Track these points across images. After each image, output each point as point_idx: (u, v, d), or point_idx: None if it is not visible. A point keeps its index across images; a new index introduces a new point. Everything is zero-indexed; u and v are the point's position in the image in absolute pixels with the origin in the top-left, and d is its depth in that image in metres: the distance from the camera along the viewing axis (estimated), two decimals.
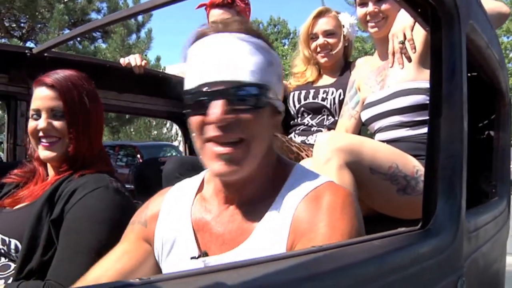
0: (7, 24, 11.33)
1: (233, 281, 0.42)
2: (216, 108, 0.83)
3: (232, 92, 0.84)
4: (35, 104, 1.36)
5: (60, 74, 1.40)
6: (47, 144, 1.36)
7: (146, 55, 12.15)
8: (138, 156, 11.40)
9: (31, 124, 1.36)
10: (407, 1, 0.87)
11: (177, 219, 0.98)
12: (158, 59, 12.71)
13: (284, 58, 23.06)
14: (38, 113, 1.36)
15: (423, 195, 0.90)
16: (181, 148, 14.21)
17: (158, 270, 0.99)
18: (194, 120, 0.88)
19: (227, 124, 0.84)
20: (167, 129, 19.36)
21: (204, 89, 0.85)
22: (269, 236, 0.85)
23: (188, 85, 0.89)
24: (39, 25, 10.94)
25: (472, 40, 1.02)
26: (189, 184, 1.05)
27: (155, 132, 19.03)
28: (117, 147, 12.19)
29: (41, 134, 1.35)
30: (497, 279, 1.50)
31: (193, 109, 0.88)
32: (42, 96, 1.36)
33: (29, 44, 11.17)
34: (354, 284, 0.57)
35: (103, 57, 10.18)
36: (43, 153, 1.36)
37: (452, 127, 0.85)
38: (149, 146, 12.73)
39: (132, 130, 17.27)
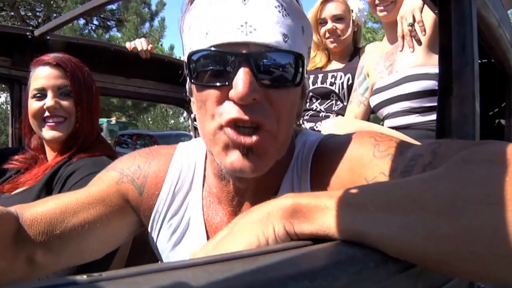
0: (22, 13, 11.43)
1: (198, 280, 0.36)
2: (242, 80, 0.62)
3: (262, 60, 0.65)
4: (38, 83, 1.33)
5: (59, 54, 1.38)
6: (52, 124, 1.33)
7: (161, 44, 12.17)
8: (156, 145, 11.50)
9: (35, 104, 1.33)
10: None
11: (187, 211, 0.84)
12: (171, 48, 12.75)
13: None
14: (42, 92, 1.33)
15: None
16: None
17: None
18: (205, 95, 0.67)
19: (256, 104, 0.65)
20: (184, 118, 19.45)
21: (223, 52, 0.65)
22: None
23: (196, 44, 0.68)
24: (55, 14, 11.01)
25: (483, 17, 0.95)
26: (194, 159, 0.87)
27: (172, 121, 19.15)
28: (135, 136, 12.31)
29: (47, 114, 1.33)
30: None
31: (204, 80, 0.67)
32: (47, 75, 1.33)
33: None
34: (356, 281, 0.51)
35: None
36: (49, 133, 1.34)
37: (463, 106, 0.78)
38: (166, 136, 12.83)
39: (149, 119, 17.39)
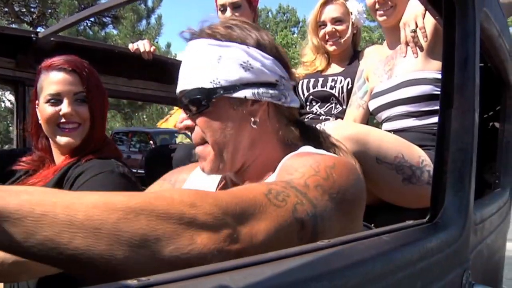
0: (17, 9, 11.37)
1: (237, 283, 0.41)
2: (182, 116, 0.93)
3: (182, 102, 0.90)
4: (53, 88, 1.33)
5: (71, 58, 1.38)
6: (67, 130, 1.34)
7: (157, 42, 12.17)
8: (151, 142, 11.53)
9: (49, 109, 1.33)
10: None
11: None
12: (168, 45, 12.75)
13: (294, 46, 22.92)
14: (57, 98, 1.33)
15: (432, 187, 0.88)
16: None
17: None
18: None
19: (192, 129, 0.92)
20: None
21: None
22: None
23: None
24: (49, 11, 10.96)
25: (485, 29, 1.00)
26: None
27: None
28: (130, 134, 12.32)
29: (63, 120, 1.33)
30: (499, 266, 1.52)
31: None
32: (62, 80, 1.33)
33: (39, 29, 11.21)
34: (362, 283, 0.56)
35: (114, 43, 10.20)
36: (63, 139, 1.35)
37: (464, 119, 0.83)
38: (161, 132, 12.84)
39: (144, 116, 17.36)
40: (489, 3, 0.99)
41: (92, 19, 11.60)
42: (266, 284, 0.43)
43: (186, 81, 0.89)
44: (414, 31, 1.57)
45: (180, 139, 12.05)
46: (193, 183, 1.07)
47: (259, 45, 0.90)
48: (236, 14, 2.19)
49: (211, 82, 0.87)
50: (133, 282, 0.39)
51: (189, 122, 0.92)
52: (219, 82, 0.87)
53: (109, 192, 0.55)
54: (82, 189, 1.23)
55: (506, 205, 1.61)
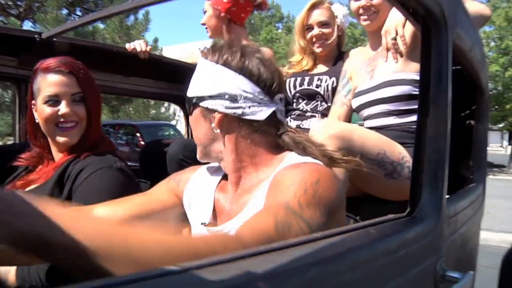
0: (3, 2, 11.25)
1: (255, 268, 0.53)
2: None
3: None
4: (51, 90, 1.38)
5: (67, 60, 1.43)
6: (65, 128, 1.40)
7: (143, 36, 12.18)
8: (138, 134, 11.51)
9: (48, 110, 1.39)
10: (399, 3, 0.96)
11: (204, 190, 1.18)
12: (155, 40, 12.76)
13: (278, 41, 23.06)
14: (55, 99, 1.39)
15: (410, 185, 1.00)
16: (179, 127, 14.26)
17: (185, 218, 1.19)
18: None
19: None
20: (165, 108, 19.36)
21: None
22: (256, 203, 0.99)
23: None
24: (37, 4, 10.87)
25: (457, 45, 1.12)
26: (219, 167, 1.21)
27: (154, 111, 19.06)
28: (117, 126, 12.26)
29: (61, 119, 1.39)
30: (472, 253, 1.63)
31: None
32: (59, 82, 1.39)
33: (26, 22, 11.14)
34: (351, 268, 0.68)
35: (102, 38, 10.17)
36: (62, 138, 1.41)
37: (438, 127, 0.95)
38: (148, 125, 12.80)
39: (131, 109, 17.32)
40: (461, 23, 1.11)
41: (79, 13, 11.55)
42: (278, 269, 0.55)
43: (188, 89, 1.13)
44: (395, 39, 1.66)
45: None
46: (195, 182, 1.21)
47: (226, 64, 1.07)
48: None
49: (194, 93, 1.10)
50: (175, 267, 0.50)
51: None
52: (196, 94, 1.10)
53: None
54: (84, 185, 1.33)
55: (479, 199, 1.72)
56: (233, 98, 1.05)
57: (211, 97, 1.06)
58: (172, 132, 12.23)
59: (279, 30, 25.40)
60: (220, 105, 1.06)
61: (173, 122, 16.56)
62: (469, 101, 1.84)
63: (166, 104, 17.92)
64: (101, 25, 12.10)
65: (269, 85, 1.07)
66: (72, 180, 1.36)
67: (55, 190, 1.36)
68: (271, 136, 1.09)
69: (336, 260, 0.66)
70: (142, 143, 10.37)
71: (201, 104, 1.08)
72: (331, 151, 1.08)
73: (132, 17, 11.76)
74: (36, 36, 1.98)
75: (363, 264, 0.71)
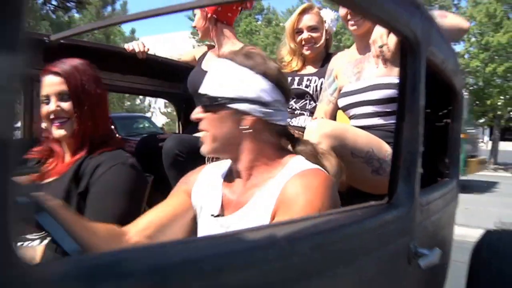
0: None
1: (275, 234, 0.72)
2: (196, 109, 1.23)
3: (203, 100, 1.20)
4: (44, 90, 1.52)
5: (66, 62, 1.55)
6: (58, 124, 1.53)
7: (120, 27, 12.12)
8: (112, 127, 11.39)
9: (43, 108, 1.53)
10: (382, 23, 1.13)
11: (212, 187, 1.28)
12: (133, 31, 12.75)
13: (257, 33, 22.94)
14: (48, 98, 1.52)
15: (389, 178, 1.19)
16: (154, 119, 14.11)
17: (195, 223, 1.30)
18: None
19: (200, 119, 1.21)
20: (140, 100, 19.24)
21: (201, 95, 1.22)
22: (260, 203, 1.12)
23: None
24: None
25: (431, 60, 1.31)
26: (226, 163, 1.33)
27: (128, 103, 18.93)
28: None
29: (52, 116, 1.52)
30: (445, 243, 1.79)
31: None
32: (49, 83, 1.51)
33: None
34: (342, 240, 0.88)
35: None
36: (56, 132, 1.53)
37: (412, 131, 1.15)
38: (122, 117, 12.52)
39: None
40: (435, 41, 1.31)
41: (55, 2, 11.42)
42: (294, 235, 0.74)
43: (210, 88, 1.19)
44: (381, 47, 1.80)
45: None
46: (202, 182, 1.32)
47: (264, 74, 1.17)
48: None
49: (222, 94, 1.17)
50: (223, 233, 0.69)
51: (200, 115, 1.21)
52: (226, 95, 1.16)
53: None
54: (101, 180, 1.46)
55: (452, 192, 1.90)
56: (266, 104, 1.16)
57: (247, 101, 1.15)
58: (147, 125, 11.95)
59: (259, 22, 25.20)
60: (255, 109, 1.16)
61: (148, 114, 16.47)
62: (446, 100, 2.00)
63: (140, 96, 17.80)
64: (76, 15, 11.99)
65: (288, 95, 1.23)
66: (89, 175, 1.48)
67: (72, 183, 1.48)
68: (278, 139, 1.25)
69: (332, 232, 0.86)
70: (118, 136, 10.22)
71: (232, 105, 1.15)
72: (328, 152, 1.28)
73: (109, 8, 11.72)
74: (45, 38, 2.10)
75: (352, 237, 0.91)
